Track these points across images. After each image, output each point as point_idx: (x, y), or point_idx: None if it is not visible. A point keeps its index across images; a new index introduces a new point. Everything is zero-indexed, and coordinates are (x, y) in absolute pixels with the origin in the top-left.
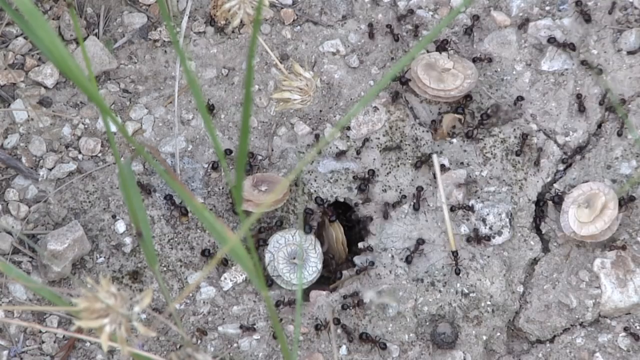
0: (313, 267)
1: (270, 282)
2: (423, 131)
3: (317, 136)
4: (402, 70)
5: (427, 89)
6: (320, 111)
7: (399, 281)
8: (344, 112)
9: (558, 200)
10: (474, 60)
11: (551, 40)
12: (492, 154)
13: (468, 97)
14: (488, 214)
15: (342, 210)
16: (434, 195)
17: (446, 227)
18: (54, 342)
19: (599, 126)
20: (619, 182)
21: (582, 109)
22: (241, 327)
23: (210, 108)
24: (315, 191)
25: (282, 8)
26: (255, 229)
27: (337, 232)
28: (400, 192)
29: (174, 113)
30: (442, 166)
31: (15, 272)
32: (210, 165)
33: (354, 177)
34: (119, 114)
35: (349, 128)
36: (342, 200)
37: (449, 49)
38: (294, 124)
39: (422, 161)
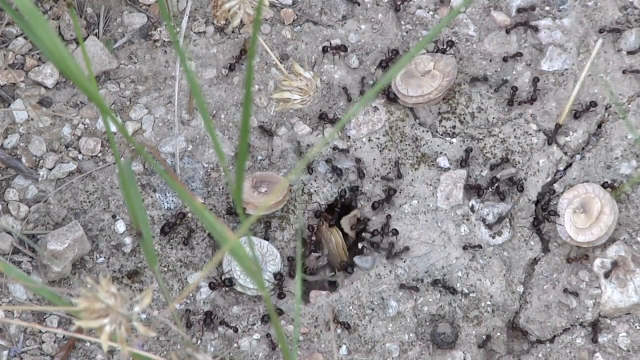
0: (270, 274)
1: (230, 285)
2: (423, 131)
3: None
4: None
5: (406, 99)
6: (320, 111)
7: (399, 281)
8: (344, 112)
9: (552, 216)
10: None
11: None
12: (492, 153)
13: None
14: (488, 214)
15: (340, 210)
16: (433, 195)
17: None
18: (54, 342)
19: (599, 126)
20: (618, 182)
21: (510, 104)
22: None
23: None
24: (315, 191)
25: (282, 8)
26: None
27: (336, 237)
28: (400, 192)
29: (174, 113)
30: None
31: (15, 272)
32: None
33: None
34: (119, 114)
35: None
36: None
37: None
38: (294, 124)
39: (388, 60)
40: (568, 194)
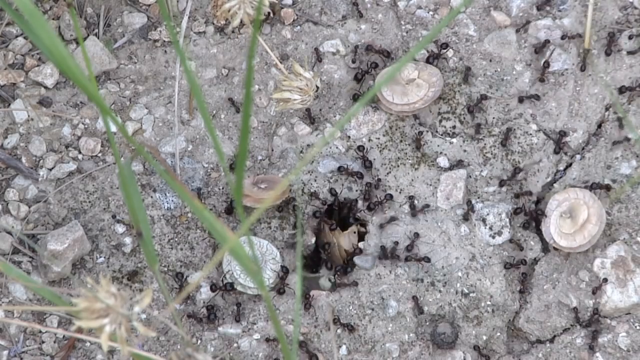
0: (270, 273)
1: (231, 288)
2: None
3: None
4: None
5: (391, 105)
6: (320, 110)
7: (399, 281)
8: (344, 112)
9: (540, 216)
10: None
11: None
12: (492, 153)
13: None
14: (488, 214)
15: (339, 210)
16: (433, 195)
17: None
18: (54, 342)
19: (599, 126)
20: (618, 182)
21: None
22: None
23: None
24: (316, 190)
25: (282, 8)
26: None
27: (338, 239)
28: (400, 192)
29: (174, 113)
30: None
31: (15, 272)
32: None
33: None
34: (119, 114)
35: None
36: (342, 200)
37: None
38: (294, 124)
39: (364, 72)
40: (559, 195)
